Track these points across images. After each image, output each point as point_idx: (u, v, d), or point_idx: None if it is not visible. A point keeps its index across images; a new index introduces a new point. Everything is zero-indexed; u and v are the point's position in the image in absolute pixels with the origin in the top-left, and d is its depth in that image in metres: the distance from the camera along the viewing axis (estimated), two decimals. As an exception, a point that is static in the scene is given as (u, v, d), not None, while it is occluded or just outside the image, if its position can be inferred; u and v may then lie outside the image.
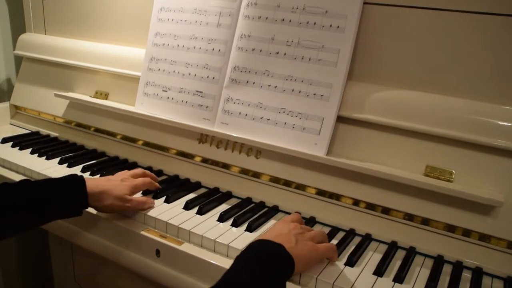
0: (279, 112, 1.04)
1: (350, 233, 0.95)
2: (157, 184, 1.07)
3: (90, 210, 0.95)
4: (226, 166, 1.13)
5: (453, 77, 0.92)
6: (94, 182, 0.93)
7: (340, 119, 1.00)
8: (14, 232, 0.90)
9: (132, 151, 1.28)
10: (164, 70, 1.21)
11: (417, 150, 0.93)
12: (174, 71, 1.19)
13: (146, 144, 1.26)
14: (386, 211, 0.94)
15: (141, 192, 1.04)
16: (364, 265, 0.84)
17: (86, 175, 1.14)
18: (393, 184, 0.92)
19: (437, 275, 0.82)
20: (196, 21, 1.16)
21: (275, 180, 1.06)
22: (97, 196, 0.91)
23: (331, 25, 0.98)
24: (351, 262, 0.84)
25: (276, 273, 0.71)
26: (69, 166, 1.19)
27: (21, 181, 0.89)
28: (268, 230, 0.86)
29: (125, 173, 1.03)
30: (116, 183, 0.96)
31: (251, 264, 0.70)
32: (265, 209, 1.03)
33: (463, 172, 0.88)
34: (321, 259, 0.82)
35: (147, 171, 1.08)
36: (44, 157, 1.24)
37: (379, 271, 0.82)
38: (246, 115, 1.08)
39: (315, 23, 1.00)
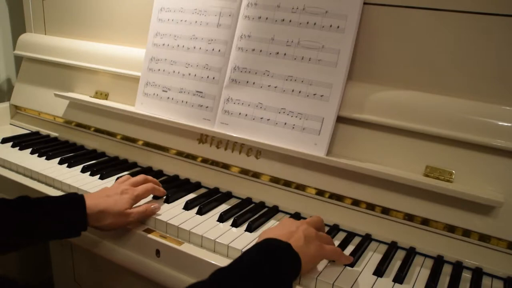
0: (279, 112, 1.04)
1: (350, 234, 0.95)
2: (161, 189, 1.02)
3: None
4: (226, 166, 1.13)
5: (453, 77, 0.92)
6: (93, 200, 0.89)
7: (340, 119, 1.00)
8: (9, 250, 0.88)
9: (132, 151, 1.28)
10: (164, 70, 1.21)
11: (417, 150, 0.93)
12: (174, 71, 1.19)
13: (146, 144, 1.26)
14: (386, 211, 0.94)
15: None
16: (364, 265, 0.84)
17: (86, 175, 1.15)
18: (393, 184, 0.92)
19: (437, 275, 0.82)
20: (196, 21, 1.16)
21: (275, 180, 1.06)
22: (97, 216, 0.88)
23: (331, 26, 0.98)
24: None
25: (283, 272, 0.71)
26: (69, 166, 1.19)
27: (19, 198, 0.86)
28: (277, 224, 0.85)
29: (125, 183, 0.98)
30: (116, 199, 0.92)
31: (259, 263, 0.70)
32: (265, 209, 1.03)
33: (463, 172, 0.88)
34: (325, 258, 0.82)
35: (149, 177, 1.02)
36: (44, 157, 1.24)
37: (379, 271, 0.82)
38: (246, 115, 1.08)
39: (315, 24, 1.00)
